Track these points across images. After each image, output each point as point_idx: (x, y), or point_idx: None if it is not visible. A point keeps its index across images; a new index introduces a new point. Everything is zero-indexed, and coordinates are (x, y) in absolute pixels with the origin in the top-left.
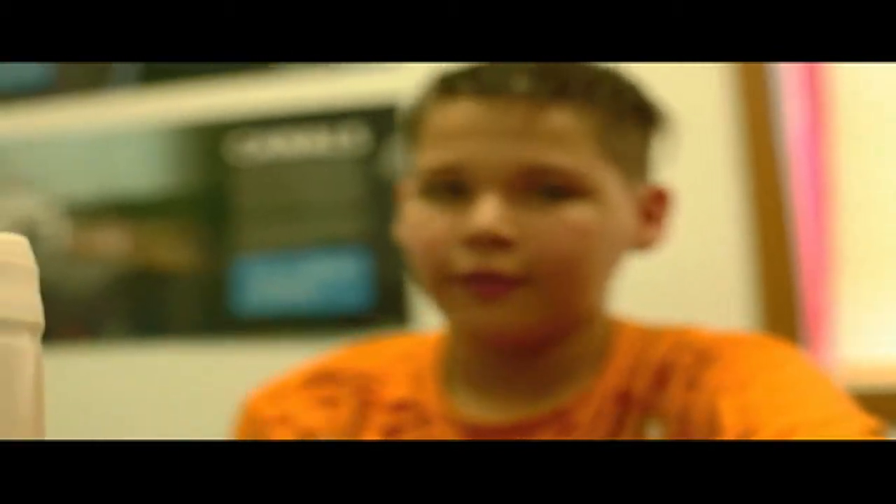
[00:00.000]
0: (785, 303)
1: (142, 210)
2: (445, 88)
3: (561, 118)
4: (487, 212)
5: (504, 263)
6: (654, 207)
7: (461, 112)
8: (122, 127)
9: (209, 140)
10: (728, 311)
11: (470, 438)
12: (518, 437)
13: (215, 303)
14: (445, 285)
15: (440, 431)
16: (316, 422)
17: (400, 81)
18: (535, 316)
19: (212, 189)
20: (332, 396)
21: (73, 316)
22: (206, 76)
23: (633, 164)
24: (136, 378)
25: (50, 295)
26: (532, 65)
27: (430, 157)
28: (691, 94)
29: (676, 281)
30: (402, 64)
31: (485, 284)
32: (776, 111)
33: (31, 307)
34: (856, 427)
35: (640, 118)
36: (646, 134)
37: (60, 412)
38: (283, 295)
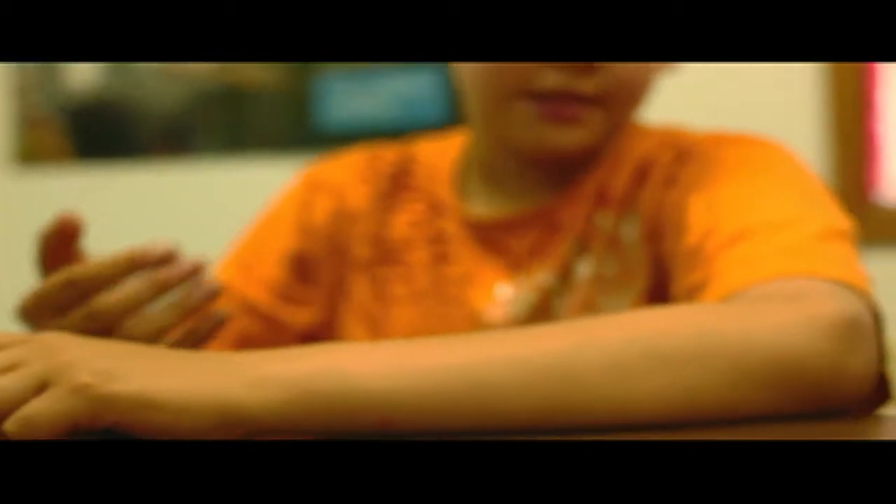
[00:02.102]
0: None
1: None
2: None
3: None
4: None
5: (586, 85)
6: None
7: None
8: None
9: None
10: None
11: (469, 228)
12: (506, 233)
13: (298, 118)
14: (514, 101)
15: (448, 225)
16: (354, 193)
17: None
18: (599, 136)
19: None
20: (374, 171)
21: (162, 132)
22: None
23: None
24: (222, 190)
25: (141, 111)
26: None
27: None
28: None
29: None
30: None
31: (564, 105)
32: None
33: None
34: (813, 229)
35: None
36: None
37: (151, 225)
38: (363, 110)
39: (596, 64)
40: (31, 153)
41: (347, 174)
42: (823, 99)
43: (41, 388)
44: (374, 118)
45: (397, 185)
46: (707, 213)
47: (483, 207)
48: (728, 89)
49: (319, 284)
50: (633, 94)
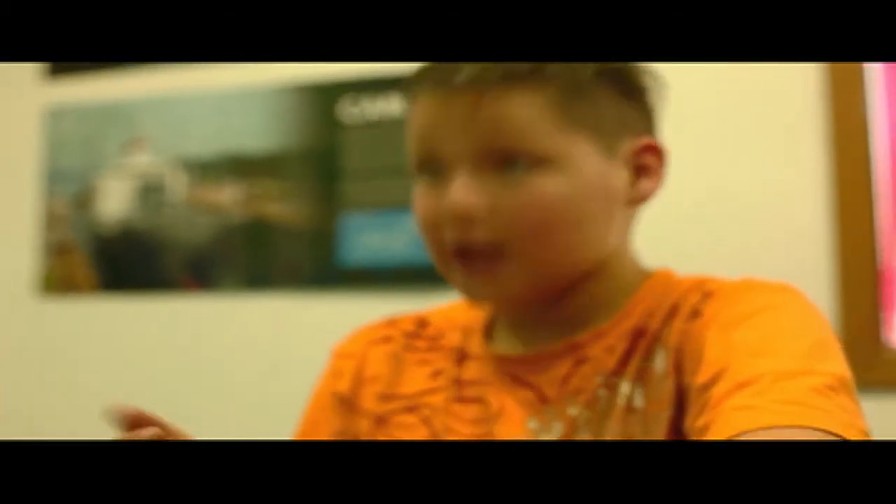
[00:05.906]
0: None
1: (255, 166)
2: (408, 88)
3: (508, 102)
4: (458, 188)
5: (478, 234)
6: (648, 160)
7: (421, 108)
8: (240, 88)
9: (320, 101)
10: None
11: (497, 368)
12: (537, 366)
13: (322, 255)
14: (445, 261)
15: (474, 365)
16: (371, 356)
17: None
18: (521, 284)
19: (322, 148)
20: (388, 335)
21: (188, 264)
22: None
23: (610, 125)
24: (245, 324)
25: (167, 243)
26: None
27: (412, 147)
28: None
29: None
30: None
31: (469, 260)
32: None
33: None
34: (815, 381)
35: (607, 82)
36: (620, 94)
37: (176, 358)
38: (384, 248)
39: (480, 212)
40: (57, 282)
41: (366, 342)
42: (834, 244)
43: None
44: (396, 256)
45: (410, 346)
46: (721, 354)
47: (511, 347)
48: (735, 240)
49: None
50: (543, 240)
